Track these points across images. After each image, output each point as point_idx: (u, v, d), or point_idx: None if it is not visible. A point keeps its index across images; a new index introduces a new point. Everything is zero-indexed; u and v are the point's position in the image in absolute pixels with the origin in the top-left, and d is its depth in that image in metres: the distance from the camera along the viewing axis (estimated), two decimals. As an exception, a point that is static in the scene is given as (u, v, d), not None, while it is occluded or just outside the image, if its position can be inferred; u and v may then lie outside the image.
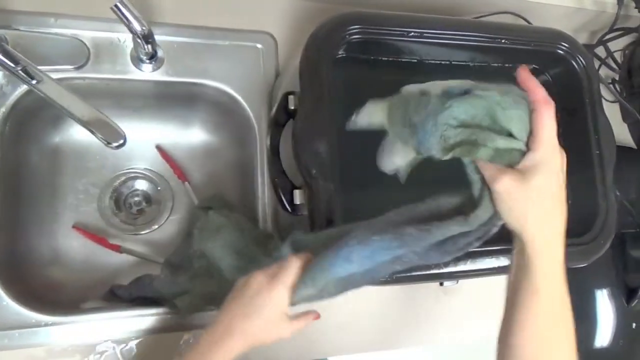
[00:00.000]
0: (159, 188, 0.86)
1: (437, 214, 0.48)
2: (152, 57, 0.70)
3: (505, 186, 0.43)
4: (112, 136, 0.53)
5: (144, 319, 0.68)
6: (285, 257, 0.53)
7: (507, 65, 0.76)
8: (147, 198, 0.87)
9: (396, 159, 0.54)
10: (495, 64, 0.76)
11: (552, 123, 0.43)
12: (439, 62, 0.72)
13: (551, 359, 0.45)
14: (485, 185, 0.46)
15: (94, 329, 0.67)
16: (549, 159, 0.43)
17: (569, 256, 0.57)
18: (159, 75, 0.73)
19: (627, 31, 0.87)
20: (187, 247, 0.73)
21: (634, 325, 0.92)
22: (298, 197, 0.61)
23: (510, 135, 0.44)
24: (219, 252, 0.67)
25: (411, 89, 0.51)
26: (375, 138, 0.69)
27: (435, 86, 0.48)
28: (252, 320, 0.50)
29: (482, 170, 0.45)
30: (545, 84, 0.77)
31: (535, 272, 0.44)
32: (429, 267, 0.57)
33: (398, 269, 0.51)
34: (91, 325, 0.67)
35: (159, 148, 0.85)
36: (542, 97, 0.43)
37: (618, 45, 0.94)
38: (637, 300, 0.90)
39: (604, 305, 0.91)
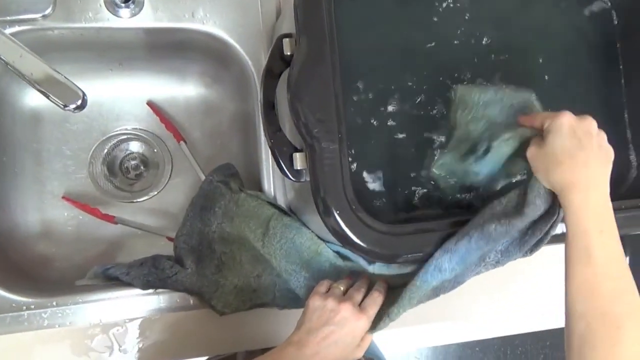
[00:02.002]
0: (155, 150, 0.79)
1: (509, 208, 0.52)
2: (128, -1, 0.61)
3: (530, 152, 0.51)
4: (68, 97, 0.45)
5: (141, 298, 0.63)
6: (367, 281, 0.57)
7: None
8: (144, 161, 0.80)
9: None
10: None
11: (544, 113, 0.52)
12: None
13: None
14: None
15: (86, 311, 0.62)
16: (554, 124, 0.49)
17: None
18: (139, 22, 0.64)
19: None
20: (203, 225, 0.64)
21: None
22: (299, 161, 0.52)
23: None
24: (280, 257, 0.61)
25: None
26: (384, 91, 0.60)
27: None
28: (334, 348, 0.52)
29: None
30: (603, 11, 0.66)
31: (566, 218, 0.48)
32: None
33: (483, 272, 0.55)
34: (83, 307, 0.62)
35: (150, 104, 0.77)
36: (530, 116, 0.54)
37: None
38: None
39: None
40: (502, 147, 0.54)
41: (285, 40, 0.52)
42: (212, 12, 0.66)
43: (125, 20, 0.64)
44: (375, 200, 0.60)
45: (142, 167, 0.80)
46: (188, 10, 0.65)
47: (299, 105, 0.49)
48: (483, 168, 0.56)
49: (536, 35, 0.65)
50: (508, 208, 0.52)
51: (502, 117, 0.56)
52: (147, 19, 0.64)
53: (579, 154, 0.48)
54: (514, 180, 0.60)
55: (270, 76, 0.54)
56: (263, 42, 0.67)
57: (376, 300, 0.54)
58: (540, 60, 0.65)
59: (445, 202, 0.60)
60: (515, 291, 0.74)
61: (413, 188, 0.61)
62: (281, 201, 0.67)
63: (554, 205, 0.51)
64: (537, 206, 0.50)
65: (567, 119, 0.49)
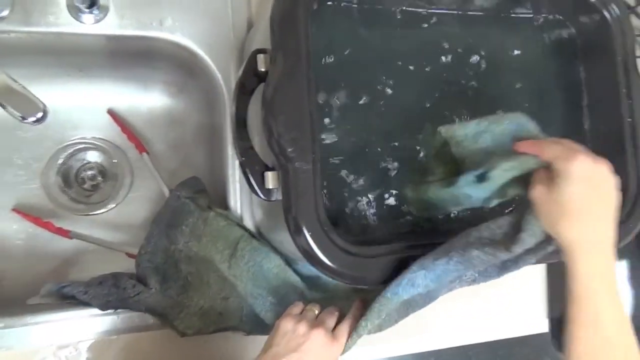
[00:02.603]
0: (114, 160, 0.76)
1: (497, 235, 0.51)
2: (92, 4, 0.59)
3: (537, 194, 0.46)
4: (27, 109, 0.42)
5: (97, 318, 0.60)
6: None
7: (527, 14, 0.65)
8: (102, 172, 0.77)
9: None
10: (513, 13, 0.65)
11: (556, 142, 0.47)
12: (445, 11, 0.61)
13: None
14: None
15: (36, 332, 0.58)
16: (568, 167, 0.44)
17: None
18: (104, 28, 0.62)
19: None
20: (168, 243, 0.61)
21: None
22: (270, 180, 0.51)
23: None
24: (246, 280, 0.60)
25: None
26: (360, 110, 0.60)
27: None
28: None
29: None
30: (569, 38, 0.68)
31: (577, 277, 0.45)
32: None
33: (457, 287, 0.55)
34: (34, 329, 0.58)
35: (111, 113, 0.75)
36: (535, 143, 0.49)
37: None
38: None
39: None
40: (501, 178, 0.50)
41: (260, 56, 0.51)
42: (182, 22, 0.64)
43: (88, 25, 0.61)
44: (348, 221, 0.59)
45: (99, 178, 0.76)
46: (156, 18, 0.63)
47: (274, 123, 0.48)
48: (478, 193, 0.53)
49: (503, 62, 0.66)
50: (496, 236, 0.51)
51: (497, 145, 0.52)
52: (112, 25, 0.62)
53: (593, 208, 0.45)
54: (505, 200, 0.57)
55: (243, 92, 0.52)
56: (233, 54, 0.66)
57: (351, 327, 0.53)
58: (509, 86, 0.66)
59: (419, 225, 0.61)
60: (470, 301, 0.74)
61: (386, 210, 0.60)
62: (247, 218, 0.66)
63: (546, 241, 0.49)
64: (527, 243, 0.49)
65: (584, 163, 0.44)
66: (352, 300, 0.56)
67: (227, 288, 0.61)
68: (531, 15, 0.65)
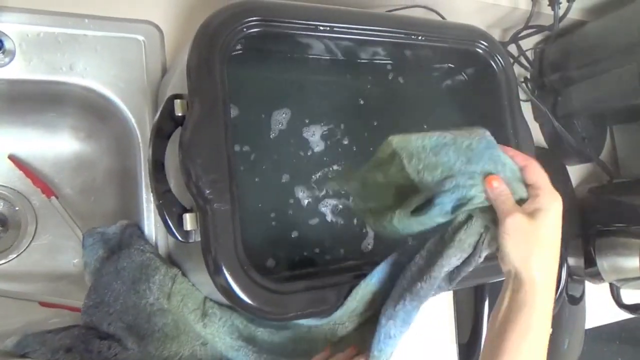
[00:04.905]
0: (16, 208, 0.74)
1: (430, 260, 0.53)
2: (-2, 49, 0.59)
3: (517, 222, 0.46)
4: None
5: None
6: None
7: (422, 63, 0.73)
8: (2, 221, 0.74)
9: None
10: (410, 62, 0.72)
11: (545, 173, 0.49)
12: (350, 59, 0.67)
13: None
14: (485, 218, 0.49)
15: None
16: (552, 204, 0.47)
17: (487, 270, 0.57)
18: (9, 73, 0.61)
19: (540, 29, 0.87)
20: (137, 299, 0.60)
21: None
22: (189, 222, 0.52)
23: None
24: (224, 335, 0.60)
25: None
26: (277, 151, 0.64)
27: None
28: None
29: (498, 202, 0.47)
30: (461, 84, 0.76)
31: (531, 311, 0.46)
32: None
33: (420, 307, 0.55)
34: None
35: (12, 158, 0.73)
36: (527, 155, 0.50)
37: (528, 43, 0.95)
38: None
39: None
40: (473, 205, 0.49)
41: (177, 101, 0.53)
42: (93, 66, 0.65)
43: (-8, 70, 0.61)
44: (267, 258, 0.62)
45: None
46: (66, 62, 0.64)
47: (192, 166, 0.50)
48: (447, 219, 0.50)
49: (409, 102, 0.73)
50: (430, 262, 0.53)
51: (461, 161, 0.49)
52: (18, 70, 0.62)
53: (557, 243, 0.47)
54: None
55: (160, 136, 0.54)
56: (147, 98, 0.67)
57: None
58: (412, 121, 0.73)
59: (338, 257, 0.64)
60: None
61: (303, 246, 0.64)
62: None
63: (475, 250, 0.51)
64: (454, 262, 0.52)
65: (560, 201, 0.47)
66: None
67: (202, 335, 0.61)
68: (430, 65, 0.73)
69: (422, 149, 0.50)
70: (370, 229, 0.63)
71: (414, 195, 0.50)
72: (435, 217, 0.49)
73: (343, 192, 0.67)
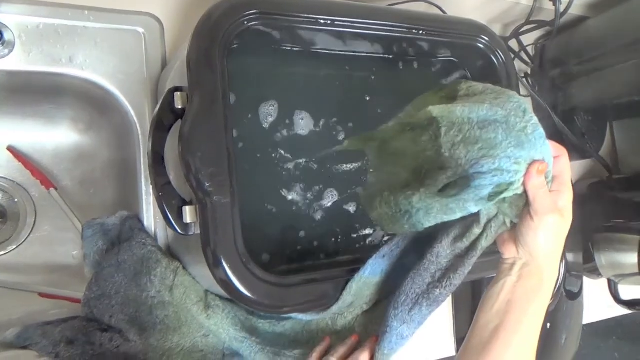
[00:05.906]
0: (15, 200, 0.74)
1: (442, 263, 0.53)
2: (-2, 40, 0.59)
3: (556, 220, 0.45)
4: None
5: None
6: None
7: (422, 57, 0.73)
8: (1, 212, 0.74)
9: None
10: (411, 56, 0.72)
11: (570, 167, 0.48)
12: (350, 53, 0.67)
13: None
14: (511, 212, 0.47)
15: None
16: (570, 201, 0.47)
17: (485, 265, 0.57)
18: (9, 64, 0.61)
19: (541, 24, 0.87)
20: (139, 291, 0.60)
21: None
22: (188, 214, 0.53)
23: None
24: (227, 327, 0.61)
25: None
26: (277, 145, 0.64)
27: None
28: None
29: (538, 195, 0.45)
30: (461, 79, 0.76)
31: (541, 300, 0.47)
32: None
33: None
34: None
35: (11, 149, 0.73)
36: (560, 145, 0.48)
37: (529, 38, 0.95)
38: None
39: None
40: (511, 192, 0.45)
41: (177, 94, 0.53)
42: (93, 58, 0.65)
43: (-8, 61, 0.61)
44: (267, 251, 0.62)
45: (-2, 219, 0.74)
46: (66, 54, 0.64)
47: (192, 159, 0.50)
48: (479, 208, 0.47)
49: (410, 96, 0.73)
50: (441, 265, 0.53)
51: (509, 143, 0.44)
52: (18, 61, 0.62)
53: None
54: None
55: (160, 128, 0.54)
56: (147, 91, 0.68)
57: None
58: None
59: (336, 251, 0.65)
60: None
61: (302, 240, 0.64)
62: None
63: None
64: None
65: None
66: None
67: (206, 326, 0.62)
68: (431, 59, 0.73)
69: (466, 120, 0.45)
70: (373, 220, 0.62)
71: (440, 171, 0.46)
72: (467, 201, 0.45)
73: (351, 167, 0.67)
